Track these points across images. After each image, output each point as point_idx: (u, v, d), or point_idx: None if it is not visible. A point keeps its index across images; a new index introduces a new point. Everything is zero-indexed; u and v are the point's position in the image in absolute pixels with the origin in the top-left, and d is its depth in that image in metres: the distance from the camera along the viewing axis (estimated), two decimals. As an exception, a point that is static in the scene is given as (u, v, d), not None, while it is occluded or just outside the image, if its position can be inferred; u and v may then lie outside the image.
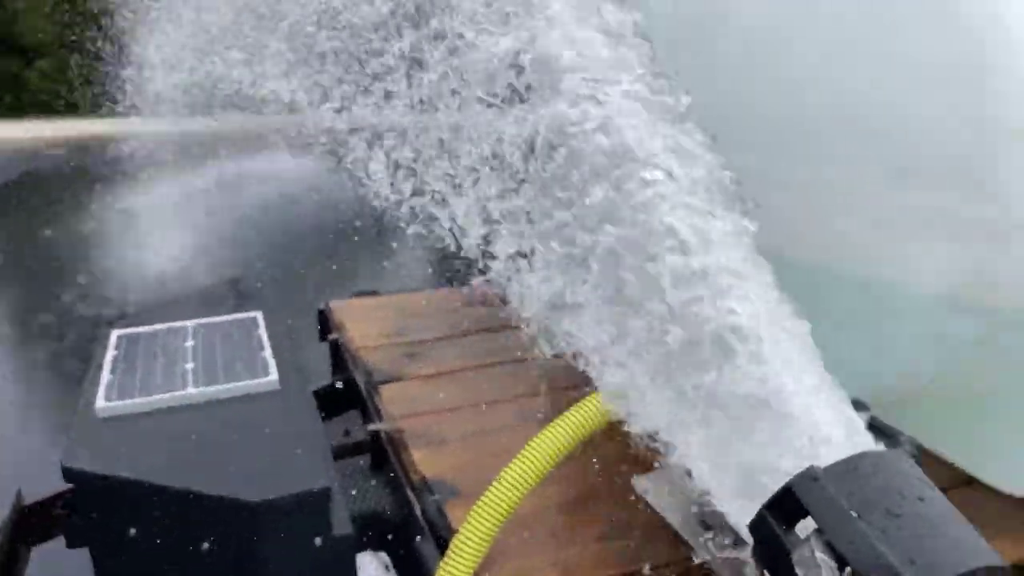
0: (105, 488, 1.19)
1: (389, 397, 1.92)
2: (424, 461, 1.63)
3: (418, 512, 1.49)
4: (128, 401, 1.37)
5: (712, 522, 1.40)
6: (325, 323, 2.44)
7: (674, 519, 1.46)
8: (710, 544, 1.38)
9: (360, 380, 2.04)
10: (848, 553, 0.46)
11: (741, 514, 0.56)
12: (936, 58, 1.26)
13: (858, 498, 0.48)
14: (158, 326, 1.71)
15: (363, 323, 2.36)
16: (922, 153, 1.24)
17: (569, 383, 1.98)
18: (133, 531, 1.21)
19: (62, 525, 1.66)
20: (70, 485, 1.64)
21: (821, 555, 0.46)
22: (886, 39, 1.30)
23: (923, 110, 1.23)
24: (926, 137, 1.15)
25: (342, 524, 1.23)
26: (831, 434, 0.55)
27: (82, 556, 1.29)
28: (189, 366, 1.49)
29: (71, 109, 10.83)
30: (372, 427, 1.76)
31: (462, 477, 1.59)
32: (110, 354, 1.54)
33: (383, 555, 1.60)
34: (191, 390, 1.41)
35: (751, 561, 1.25)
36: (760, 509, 0.54)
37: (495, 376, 2.07)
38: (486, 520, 1.22)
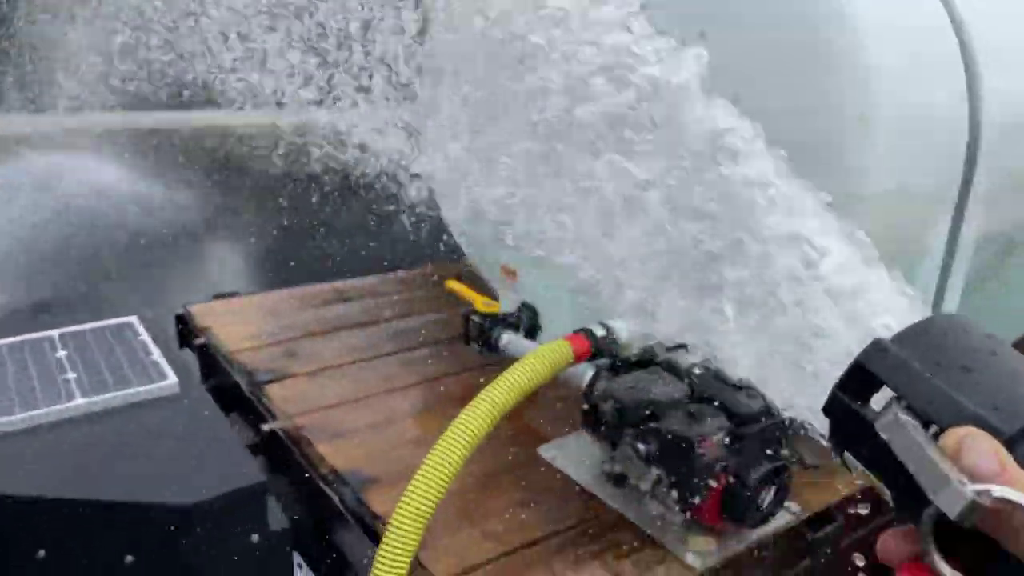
0: (11, 511, 1.07)
1: (278, 396, 1.86)
2: (331, 454, 1.61)
3: (336, 503, 1.46)
4: (9, 418, 1.23)
5: (619, 477, 1.50)
6: (186, 328, 2.29)
7: (584, 479, 1.56)
8: (616, 494, 1.49)
9: (241, 382, 1.95)
10: (930, 410, 0.47)
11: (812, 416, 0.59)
12: (781, 51, 1.44)
13: (930, 360, 0.49)
14: (14, 338, 1.54)
15: (231, 325, 2.25)
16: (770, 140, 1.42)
17: (455, 368, 2.05)
18: (42, 553, 1.10)
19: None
20: None
21: (904, 416, 0.47)
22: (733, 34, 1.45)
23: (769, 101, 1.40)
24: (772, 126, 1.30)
25: (277, 519, 1.19)
26: (892, 304, 0.60)
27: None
28: (71, 376, 1.37)
29: None
30: (268, 426, 1.70)
31: (372, 465, 1.59)
32: (-32, 371, 1.37)
33: (295, 555, 1.56)
34: (80, 400, 1.29)
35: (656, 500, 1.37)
36: (832, 390, 0.52)
37: (378, 368, 2.06)
38: (426, 494, 1.23)
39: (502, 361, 1.96)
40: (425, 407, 1.86)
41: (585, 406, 1.51)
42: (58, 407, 1.27)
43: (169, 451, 1.20)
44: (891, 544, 0.49)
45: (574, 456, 1.62)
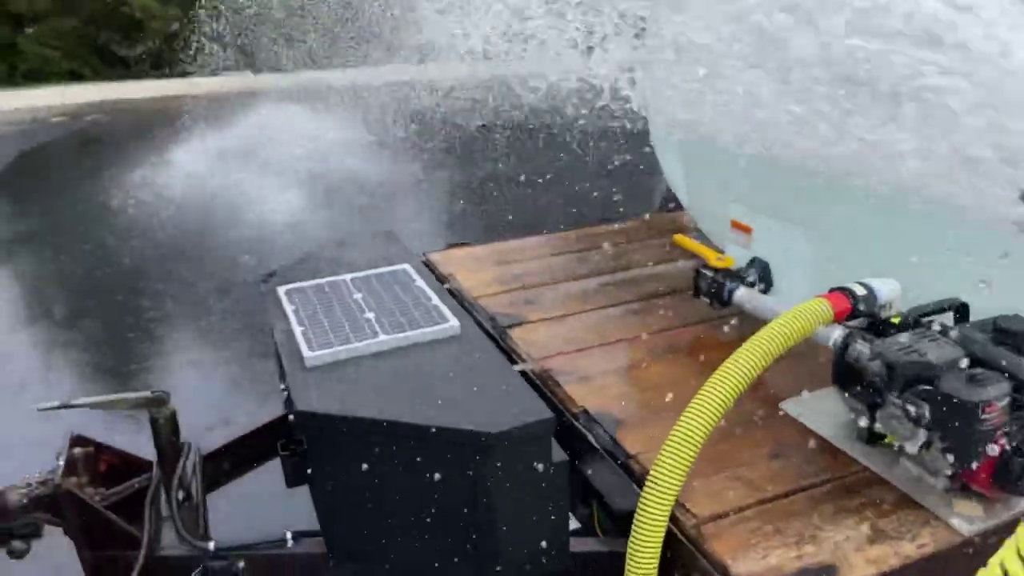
0: (342, 429, 1.28)
1: (522, 339, 2.01)
2: (581, 395, 1.74)
3: (591, 440, 1.59)
4: (331, 350, 1.45)
5: (873, 436, 1.50)
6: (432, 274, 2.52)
7: (833, 436, 1.57)
8: (870, 453, 1.49)
9: (485, 324, 2.12)
10: None
11: None
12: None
13: None
14: (314, 281, 1.78)
15: (472, 272, 2.43)
16: None
17: (688, 320, 2.10)
18: (364, 467, 1.30)
19: (233, 471, 1.77)
20: (237, 437, 1.75)
21: None
22: None
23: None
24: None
25: (558, 452, 1.33)
26: None
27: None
28: (370, 315, 1.57)
29: (73, 76, 10.66)
30: (519, 367, 1.85)
31: (620, 407, 1.69)
32: (288, 307, 1.62)
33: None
34: (384, 337, 1.49)
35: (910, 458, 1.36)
36: None
37: (612, 316, 2.16)
38: (690, 439, 1.31)
39: (733, 314, 2.00)
40: (663, 355, 1.93)
41: (837, 365, 1.51)
42: (364, 343, 1.47)
43: (466, 386, 1.36)
44: None
45: (820, 413, 1.63)
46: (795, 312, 1.44)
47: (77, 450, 1.49)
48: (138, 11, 10.24)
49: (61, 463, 1.44)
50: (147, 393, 1.47)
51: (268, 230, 5.43)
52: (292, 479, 1.45)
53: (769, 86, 1.55)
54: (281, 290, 1.71)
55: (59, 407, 1.39)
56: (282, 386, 1.70)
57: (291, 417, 1.62)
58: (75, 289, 5.18)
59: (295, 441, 1.43)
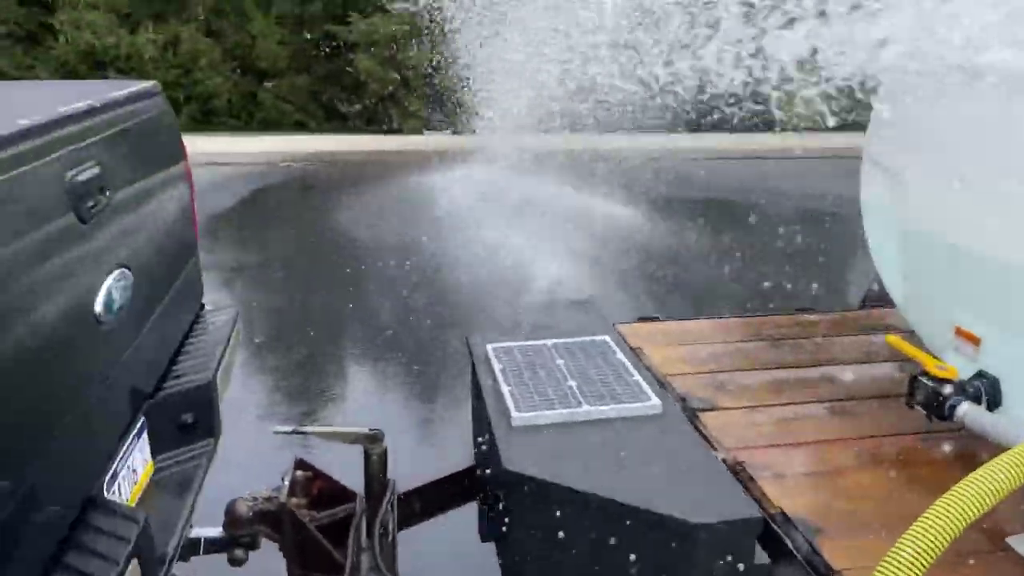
0: (546, 494, 1.32)
1: (713, 424, 1.97)
2: (776, 495, 1.66)
3: (788, 545, 1.51)
4: (536, 413, 1.51)
5: None
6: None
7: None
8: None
9: (677, 405, 2.10)
10: None
11: None
12: None
13: None
14: (519, 342, 1.86)
15: (661, 348, 2.43)
16: None
17: (896, 430, 1.96)
18: (560, 534, 1.33)
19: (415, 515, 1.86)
20: (428, 481, 1.83)
21: None
22: None
23: None
24: None
25: (759, 554, 1.28)
26: None
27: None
28: (572, 384, 1.62)
29: (299, 127, 11.94)
30: (717, 455, 1.82)
31: (819, 514, 1.60)
32: (496, 365, 1.71)
33: None
34: (587, 407, 1.53)
35: None
36: None
37: (811, 413, 2.06)
38: (909, 565, 1.22)
39: (951, 430, 1.84)
40: (868, 463, 1.82)
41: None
42: (569, 411, 1.52)
43: (669, 468, 1.36)
44: None
45: (1057, 556, 1.46)
46: None
47: (299, 473, 1.63)
48: (363, 73, 11.33)
49: (286, 483, 1.59)
50: (365, 430, 1.60)
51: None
52: (488, 533, 1.50)
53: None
54: (490, 348, 1.81)
55: (291, 432, 1.54)
56: (479, 439, 1.78)
57: (487, 471, 1.69)
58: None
59: (492, 496, 1.49)
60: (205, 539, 1.63)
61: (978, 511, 1.25)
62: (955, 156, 1.80)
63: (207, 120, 11.96)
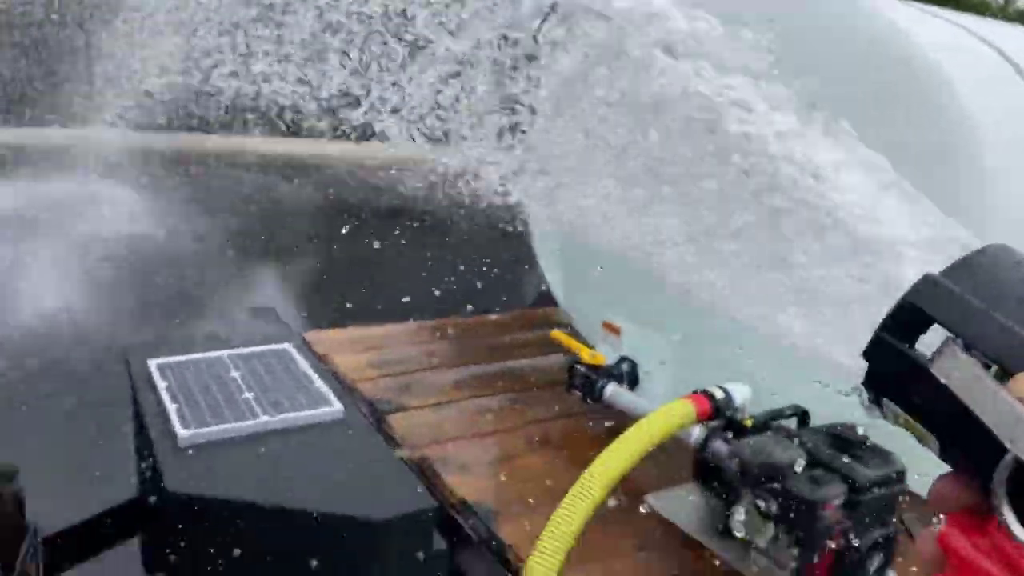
0: (216, 512, 1.23)
1: (401, 425, 2.01)
2: (458, 484, 1.75)
3: (468, 530, 1.60)
4: (205, 429, 1.40)
5: (728, 531, 1.62)
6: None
7: (691, 531, 1.67)
8: (725, 545, 1.60)
9: (363, 410, 2.11)
10: (991, 348, 0.41)
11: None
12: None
13: (988, 294, 0.43)
14: (189, 356, 1.72)
15: (347, 355, 2.42)
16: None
17: (561, 413, 2.19)
18: (236, 553, 1.25)
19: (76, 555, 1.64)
20: (83, 518, 1.63)
21: (964, 355, 0.41)
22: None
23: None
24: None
25: (438, 540, 1.34)
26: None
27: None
28: (249, 395, 1.54)
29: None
30: (398, 453, 1.85)
31: (496, 498, 1.72)
32: (160, 384, 1.56)
33: None
34: (264, 418, 1.46)
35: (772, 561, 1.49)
36: (875, 333, 0.46)
37: (489, 405, 2.21)
38: (565, 530, 1.36)
39: (604, 409, 2.11)
40: (538, 446, 1.99)
41: (697, 462, 1.63)
42: (242, 424, 1.44)
43: (349, 471, 1.35)
44: (949, 490, 0.44)
45: (681, 507, 1.74)
46: (663, 412, 1.55)
47: None
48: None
49: None
50: (-7, 468, 1.35)
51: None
52: (154, 564, 1.36)
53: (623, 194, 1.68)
54: (153, 364, 1.65)
55: None
56: (143, 466, 1.61)
57: (152, 499, 1.53)
58: None
59: (160, 526, 1.35)
60: None
61: (617, 477, 1.44)
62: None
63: None
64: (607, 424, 2.07)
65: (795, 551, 1.38)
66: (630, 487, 1.81)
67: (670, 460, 1.80)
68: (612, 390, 2.11)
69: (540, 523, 1.40)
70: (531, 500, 1.71)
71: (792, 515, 1.37)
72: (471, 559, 1.58)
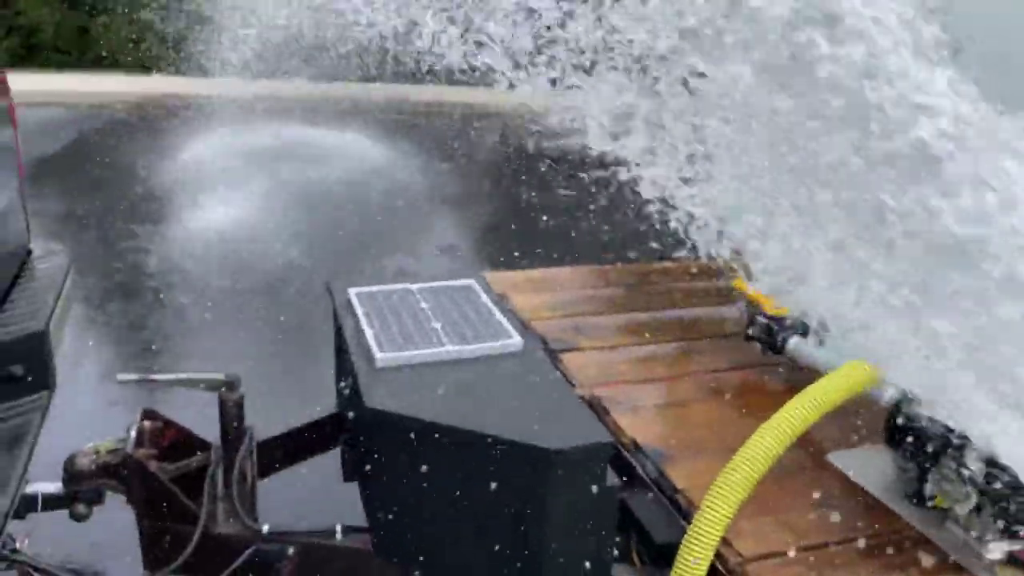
0: (408, 430, 1.33)
1: (573, 364, 2.05)
2: (629, 425, 1.77)
3: (639, 471, 1.62)
4: (401, 354, 1.50)
5: (921, 496, 1.51)
6: (485, 291, 2.57)
7: (879, 493, 1.58)
8: (916, 513, 1.50)
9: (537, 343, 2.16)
10: None
11: None
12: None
13: None
14: (383, 287, 1.84)
15: (525, 295, 2.48)
16: None
17: (737, 363, 2.13)
18: (424, 469, 1.34)
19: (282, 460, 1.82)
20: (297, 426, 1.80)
21: None
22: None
23: None
24: None
25: (611, 475, 1.36)
26: None
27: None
28: (437, 325, 1.63)
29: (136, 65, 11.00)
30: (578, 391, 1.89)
31: (667, 442, 1.72)
32: (359, 310, 1.68)
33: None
34: (451, 347, 1.54)
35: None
36: None
37: (662, 352, 2.19)
38: (741, 479, 1.34)
39: (783, 362, 2.02)
40: (711, 395, 1.96)
41: (890, 422, 1.53)
42: (431, 351, 1.53)
43: (528, 402, 1.40)
44: None
45: (868, 468, 1.65)
46: (848, 370, 1.47)
47: (147, 423, 1.55)
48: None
49: (132, 434, 1.51)
50: (221, 376, 1.53)
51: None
52: (350, 474, 1.50)
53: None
54: (352, 292, 1.78)
55: (138, 380, 1.46)
56: (342, 383, 1.76)
57: (351, 415, 1.67)
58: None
59: (355, 437, 1.48)
60: (43, 495, 1.52)
61: (798, 431, 1.39)
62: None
63: (31, 56, 10.81)
64: (785, 378, 1.99)
65: (1000, 524, 1.27)
66: (810, 443, 1.75)
67: (852, 418, 1.71)
68: (796, 343, 2.01)
69: (713, 470, 1.39)
70: (703, 447, 1.69)
71: (1003, 483, 1.26)
72: (640, 499, 1.59)
